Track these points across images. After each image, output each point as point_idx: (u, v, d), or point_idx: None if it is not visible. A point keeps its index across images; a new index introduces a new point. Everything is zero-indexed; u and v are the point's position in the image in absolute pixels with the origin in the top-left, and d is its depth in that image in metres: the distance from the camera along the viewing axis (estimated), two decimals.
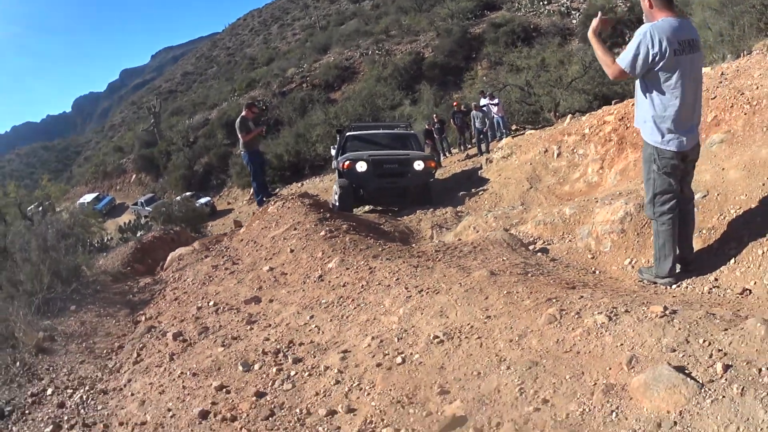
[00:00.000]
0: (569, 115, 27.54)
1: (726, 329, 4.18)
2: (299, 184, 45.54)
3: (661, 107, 6.12)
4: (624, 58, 6.10)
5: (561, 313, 4.91)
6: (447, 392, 4.27)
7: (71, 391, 6.90)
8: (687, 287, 6.40)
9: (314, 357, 5.70)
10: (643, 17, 6.37)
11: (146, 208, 53.20)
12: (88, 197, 74.00)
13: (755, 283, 6.12)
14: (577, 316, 4.86)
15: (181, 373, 6.23)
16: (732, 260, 6.58)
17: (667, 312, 4.56)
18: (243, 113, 17.11)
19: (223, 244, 12.85)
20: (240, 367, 5.87)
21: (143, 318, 9.12)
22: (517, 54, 46.38)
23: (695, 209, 7.30)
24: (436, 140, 33.27)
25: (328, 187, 27.78)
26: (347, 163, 20.07)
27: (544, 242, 9.19)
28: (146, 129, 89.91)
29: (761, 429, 3.24)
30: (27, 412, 6.82)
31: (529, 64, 40.77)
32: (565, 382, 3.98)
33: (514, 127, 33.89)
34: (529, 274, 6.88)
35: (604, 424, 3.51)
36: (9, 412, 6.93)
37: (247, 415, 4.97)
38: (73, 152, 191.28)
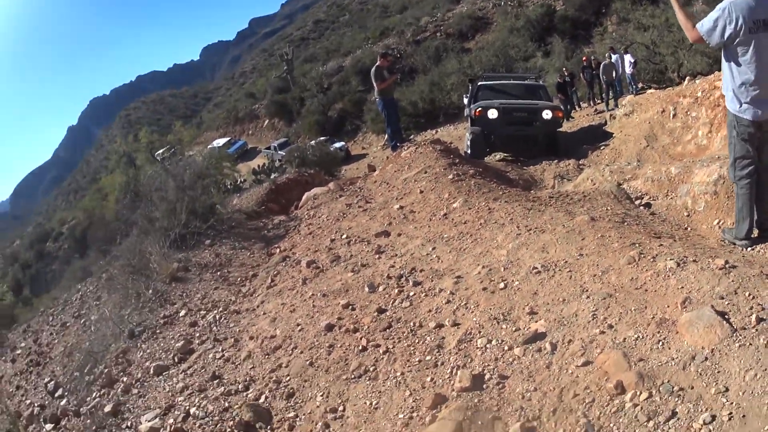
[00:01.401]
0: (687, 77, 27.41)
1: None
2: (433, 132, 45.62)
3: (739, 78, 6.46)
4: (703, 26, 6.49)
5: (640, 256, 5.54)
6: (535, 313, 5.09)
7: (204, 312, 7.78)
8: (760, 251, 6.66)
9: (431, 281, 6.52)
10: None
11: (279, 152, 53.06)
12: (219, 141, 74.34)
13: None
14: (652, 260, 5.43)
15: (312, 294, 7.08)
16: None
17: (726, 266, 5.06)
18: (378, 62, 17.62)
19: (357, 185, 13.52)
20: (366, 289, 6.73)
21: (278, 250, 9.91)
22: (642, 12, 45.31)
23: None
24: (568, 93, 33.32)
25: (461, 134, 28.16)
26: (479, 110, 20.76)
27: (650, 197, 9.53)
28: (279, 76, 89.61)
29: None
30: (158, 331, 7.76)
31: (653, 23, 39.79)
32: (630, 312, 4.67)
33: (640, 85, 33.26)
34: (625, 223, 7.44)
35: (651, 350, 4.17)
36: (139, 332, 7.85)
37: (368, 327, 5.83)
38: (203, 99, 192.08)
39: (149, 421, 5.63)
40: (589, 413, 3.80)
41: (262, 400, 5.38)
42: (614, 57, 32.48)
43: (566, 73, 33.93)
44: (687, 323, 4.29)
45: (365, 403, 4.78)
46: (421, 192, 10.63)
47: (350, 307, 6.54)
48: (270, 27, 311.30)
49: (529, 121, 20.84)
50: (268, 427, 5.00)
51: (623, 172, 11.99)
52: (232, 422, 5.08)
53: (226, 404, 5.38)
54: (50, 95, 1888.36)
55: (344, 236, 9.56)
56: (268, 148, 63.79)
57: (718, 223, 7.84)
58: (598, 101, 35.03)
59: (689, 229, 8.02)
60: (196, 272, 9.46)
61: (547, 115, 20.74)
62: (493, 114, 20.51)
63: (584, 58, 37.32)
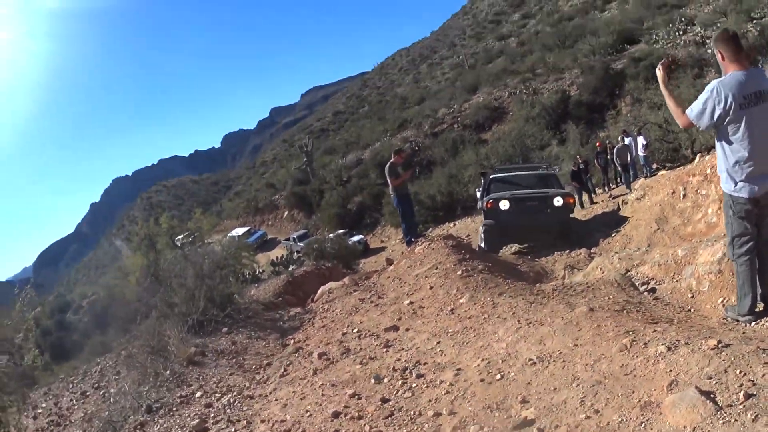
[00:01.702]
0: (699, 154, 27.67)
1: (767, 363, 4.72)
2: (452, 224, 46.01)
3: (732, 157, 6.51)
4: (693, 111, 6.61)
5: (632, 343, 5.71)
6: (527, 401, 5.30)
7: (219, 395, 8.04)
8: (765, 324, 6.66)
9: (434, 373, 6.78)
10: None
11: (298, 243, 53.77)
12: (239, 230, 75.46)
13: None
14: (644, 346, 5.59)
15: (322, 384, 7.34)
16: None
17: (719, 345, 5.15)
18: (392, 159, 18.00)
19: (371, 280, 13.79)
20: (372, 380, 7.00)
21: (292, 341, 10.21)
22: (654, 91, 45.44)
23: None
24: (584, 180, 33.31)
25: (478, 227, 28.70)
26: (490, 202, 21.00)
27: (657, 282, 9.55)
28: (299, 167, 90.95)
29: None
30: (175, 409, 8.11)
31: (664, 102, 39.96)
32: (617, 397, 4.86)
33: (655, 166, 33.61)
34: (624, 311, 7.61)
35: (633, 431, 4.37)
36: (156, 408, 8.17)
37: (372, 415, 6.07)
38: (223, 186, 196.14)
39: None
40: None
41: None
42: (627, 140, 32.88)
43: (580, 161, 34.02)
44: (670, 405, 4.41)
45: None
46: (431, 288, 10.92)
47: (356, 396, 6.78)
48: (290, 117, 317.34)
49: (541, 209, 21.05)
50: None
51: (632, 258, 12.07)
52: None
53: None
54: (76, 171, 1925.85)
55: (355, 330, 9.85)
56: (288, 239, 64.57)
57: (722, 301, 7.79)
58: (613, 186, 35.31)
59: (692, 310, 8.04)
60: (212, 357, 9.72)
61: (558, 202, 20.98)
62: (504, 205, 20.80)
63: (598, 144, 37.59)
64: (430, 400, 6.16)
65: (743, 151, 6.39)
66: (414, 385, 6.73)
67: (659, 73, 7.39)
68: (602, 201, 30.97)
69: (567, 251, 18.22)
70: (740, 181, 6.54)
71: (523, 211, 20.84)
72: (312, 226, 71.55)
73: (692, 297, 8.43)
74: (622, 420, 4.52)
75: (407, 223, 18.88)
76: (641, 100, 51.47)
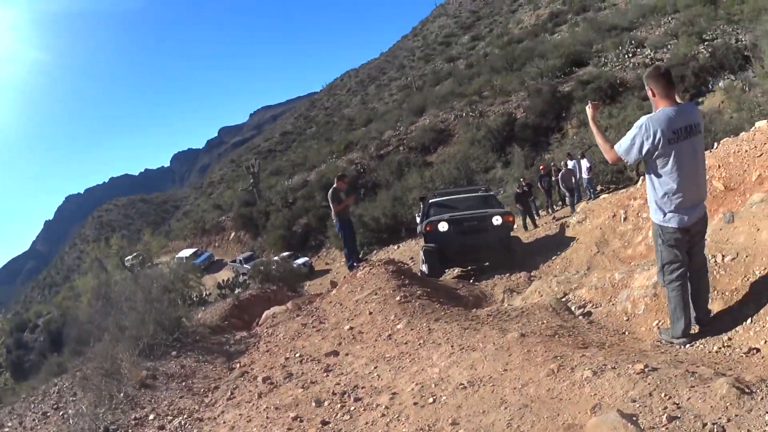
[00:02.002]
0: (642, 177, 28.05)
1: (693, 387, 4.87)
2: (396, 246, 46.10)
3: (660, 190, 6.69)
4: (620, 146, 6.77)
5: (559, 368, 5.86)
6: (457, 423, 5.43)
7: (171, 417, 8.17)
8: (699, 346, 6.90)
9: (371, 397, 6.93)
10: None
11: (245, 265, 54.03)
12: (186, 252, 75.89)
13: (765, 342, 6.53)
14: (571, 371, 5.74)
15: (267, 407, 7.49)
16: (749, 320, 6.98)
17: (646, 369, 5.31)
18: (335, 184, 18.24)
19: (314, 304, 13.90)
20: (313, 404, 7.16)
21: (238, 365, 10.30)
22: (600, 114, 46.20)
23: (723, 271, 7.82)
24: (527, 203, 33.34)
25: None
26: (429, 225, 21.07)
27: (594, 305, 9.66)
28: (246, 188, 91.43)
29: None
30: (130, 431, 8.20)
31: (611, 124, 40.72)
32: (542, 420, 4.99)
33: (599, 188, 34.21)
34: (556, 336, 7.74)
35: None
36: (113, 430, 8.30)
37: None
38: (172, 206, 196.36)
39: None
40: None
41: None
42: (571, 163, 33.11)
43: (524, 183, 34.11)
44: (592, 427, 4.49)
45: None
46: (371, 313, 11.13)
47: (299, 419, 6.93)
48: (239, 136, 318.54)
49: (480, 228, 21.18)
50: None
51: (570, 282, 12.19)
52: None
53: None
54: (30, 189, 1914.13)
55: (298, 355, 9.98)
56: (234, 261, 64.93)
57: (657, 324, 7.99)
58: (557, 208, 35.65)
59: (627, 333, 8.19)
60: (163, 381, 9.82)
61: (497, 221, 21.11)
62: (443, 227, 20.88)
63: (542, 167, 37.66)
64: (367, 423, 6.30)
65: (672, 183, 6.58)
66: (352, 408, 6.88)
67: (589, 111, 7.54)
68: (545, 223, 31.10)
69: (507, 274, 18.34)
70: (669, 211, 6.73)
71: (463, 232, 20.95)
72: (258, 248, 71.72)
73: (627, 320, 8.58)
74: None
75: (349, 248, 19.12)
76: (587, 124, 51.99)
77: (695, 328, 7.29)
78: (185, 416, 8.35)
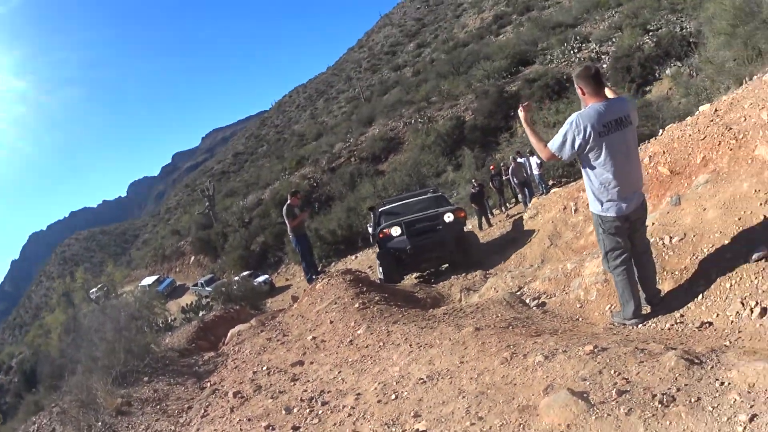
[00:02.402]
0: None
1: (642, 362, 5.07)
2: (353, 257, 46.10)
3: (596, 181, 6.87)
4: (553, 144, 6.91)
5: (512, 356, 6.08)
6: (419, 415, 5.64)
7: None
8: (651, 325, 7.13)
9: (337, 400, 7.14)
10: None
11: (206, 288, 54.00)
12: (148, 280, 75.96)
13: (717, 316, 6.75)
14: (523, 357, 5.96)
15: (239, 420, 7.66)
16: (699, 296, 7.20)
17: (596, 350, 5.51)
18: (289, 201, 18.38)
19: (276, 319, 14.01)
20: (283, 412, 7.34)
21: (208, 384, 10.41)
22: (547, 111, 46.80)
23: (671, 252, 8.06)
24: (482, 202, 33.50)
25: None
26: (383, 232, 21.13)
27: (548, 296, 9.81)
28: (202, 212, 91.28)
29: None
30: None
31: (559, 120, 40.68)
32: (498, 405, 5.18)
33: (551, 182, 34.52)
34: (510, 327, 7.92)
35: None
36: None
37: None
38: (131, 236, 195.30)
39: None
40: None
41: None
42: (521, 159, 33.36)
43: (476, 183, 34.11)
44: (545, 406, 4.71)
45: None
46: (331, 322, 11.34)
47: (271, 427, 7.11)
48: (192, 161, 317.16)
49: (433, 227, 21.15)
50: None
51: (524, 276, 12.48)
52: None
53: None
54: None
55: (265, 368, 10.14)
56: (196, 284, 65.23)
57: (609, 308, 8.17)
58: (510, 206, 36.01)
59: (580, 319, 8.37)
60: (138, 406, 9.88)
61: (449, 218, 21.16)
62: (396, 231, 20.95)
63: (492, 167, 37.96)
64: (335, 424, 6.49)
65: (606, 174, 6.77)
66: (320, 411, 7.06)
67: (521, 113, 7.69)
68: (499, 222, 31.41)
69: (463, 274, 18.45)
70: (607, 201, 6.91)
71: (416, 234, 20.93)
72: (218, 270, 71.66)
73: (581, 307, 8.77)
74: (503, 423, 4.83)
75: (306, 262, 19.28)
76: (535, 121, 52.26)
77: (646, 309, 7.52)
78: None
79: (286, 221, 18.54)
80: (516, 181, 33.09)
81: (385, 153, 70.99)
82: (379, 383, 7.06)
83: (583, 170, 7.10)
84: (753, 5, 20.46)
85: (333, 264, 45.42)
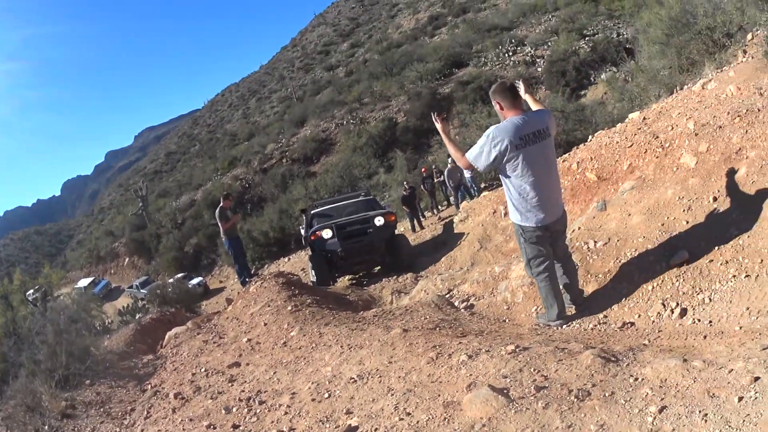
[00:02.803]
0: None
1: (561, 360, 5.42)
2: (286, 259, 46.12)
3: (515, 191, 7.10)
4: (470, 154, 7.16)
5: (438, 356, 6.39)
6: (351, 412, 5.91)
7: None
8: (575, 326, 7.52)
9: (273, 399, 7.38)
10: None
11: (141, 290, 53.17)
12: (84, 281, 74.77)
13: (639, 316, 7.20)
14: (448, 356, 6.28)
15: (182, 420, 7.84)
16: (623, 298, 7.62)
17: (517, 349, 5.83)
18: (221, 204, 18.60)
19: (212, 322, 14.09)
20: (223, 411, 7.55)
21: (149, 386, 10.48)
22: (479, 114, 46.90)
23: (596, 256, 8.42)
24: (414, 205, 33.73)
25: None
26: (314, 234, 21.36)
27: (476, 298, 10.10)
28: (135, 213, 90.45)
29: None
30: None
31: (490, 122, 40.73)
32: (425, 401, 5.48)
33: (483, 185, 34.70)
34: (437, 329, 8.24)
35: (438, 426, 4.96)
36: None
37: None
38: (66, 236, 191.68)
39: None
40: None
41: None
42: (450, 163, 33.59)
43: (407, 186, 34.49)
44: (468, 402, 5.02)
45: None
46: (265, 324, 11.54)
47: (212, 426, 7.31)
48: (125, 160, 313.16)
49: (364, 230, 21.49)
50: None
51: (454, 278, 12.70)
52: None
53: None
54: None
55: (203, 369, 10.31)
56: (131, 286, 64.23)
57: (535, 310, 8.51)
58: (442, 209, 36.27)
59: (507, 321, 8.67)
60: (82, 409, 9.83)
61: (379, 221, 21.54)
62: (327, 234, 21.18)
63: (423, 169, 38.29)
64: (272, 421, 6.74)
65: (524, 185, 7.02)
66: (258, 410, 7.30)
67: (438, 125, 7.98)
68: (431, 224, 31.73)
69: (395, 277, 18.73)
70: (526, 211, 7.18)
71: (347, 236, 21.22)
72: (153, 272, 71.15)
73: (507, 308, 9.08)
74: (430, 418, 5.13)
75: (240, 264, 19.66)
76: (468, 124, 52.49)
77: (571, 310, 7.87)
78: None
79: (219, 224, 18.82)
80: (452, 184, 33.25)
81: (317, 154, 71.18)
82: (312, 383, 7.32)
83: (502, 180, 7.35)
84: (689, 16, 20.89)
85: (266, 266, 45.32)
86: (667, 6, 22.50)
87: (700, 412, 4.13)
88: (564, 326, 7.63)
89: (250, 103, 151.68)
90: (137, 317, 20.58)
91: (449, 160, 34.52)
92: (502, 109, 7.16)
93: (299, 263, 37.17)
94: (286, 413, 6.81)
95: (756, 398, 4.06)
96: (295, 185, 61.16)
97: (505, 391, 5.04)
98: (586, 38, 56.35)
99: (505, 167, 7.03)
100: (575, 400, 4.69)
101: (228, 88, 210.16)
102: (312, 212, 24.77)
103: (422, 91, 65.75)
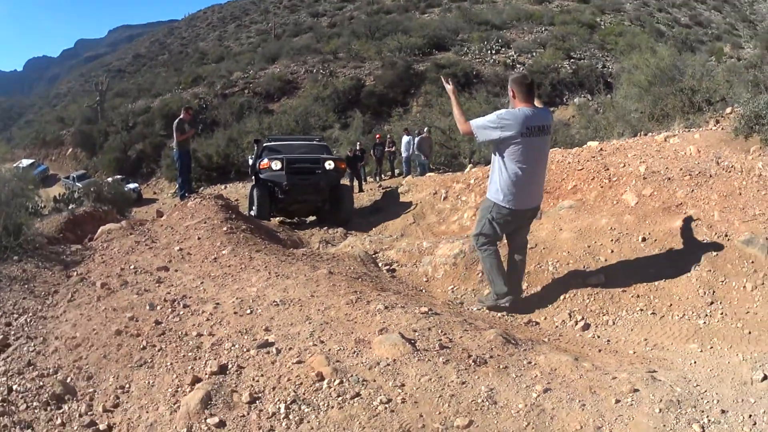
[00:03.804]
0: (470, 165, 29.07)
1: (467, 330, 6.05)
2: (224, 187, 46.78)
3: (507, 174, 7.31)
4: (476, 123, 7.37)
5: (357, 300, 6.94)
6: (269, 330, 6.43)
7: (17, 315, 8.58)
8: (485, 311, 7.91)
9: (197, 305, 7.82)
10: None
11: (77, 183, 52.16)
12: (25, 162, 73.59)
13: (545, 319, 7.73)
14: (367, 303, 6.81)
15: (105, 308, 8.19)
16: (535, 300, 8.15)
17: (429, 312, 6.47)
18: (181, 115, 18.90)
19: (146, 226, 14.40)
20: (147, 307, 7.94)
21: (75, 273, 10.76)
22: (447, 99, 47.00)
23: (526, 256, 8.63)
24: (357, 167, 34.30)
25: (248, 192, 29.41)
26: (264, 163, 21.64)
27: (400, 265, 10.50)
28: (90, 105, 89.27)
29: (449, 385, 4.91)
30: None
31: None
32: (338, 334, 6.00)
33: (432, 167, 34.86)
34: (360, 279, 8.72)
35: (347, 357, 5.48)
36: None
37: (147, 333, 7.01)
38: (16, 113, 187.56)
39: None
40: (298, 390, 5.04)
41: (68, 380, 6.34)
42: (406, 138, 34.01)
43: (357, 148, 35.21)
44: (378, 342, 5.59)
45: (145, 382, 5.94)
46: (199, 239, 11.95)
47: (134, 319, 7.67)
48: (94, 51, 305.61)
49: (312, 170, 21.81)
50: (74, 398, 6.00)
51: (382, 243, 13.19)
52: (46, 395, 5.92)
53: (41, 383, 6.17)
54: None
55: (132, 267, 10.62)
56: (67, 177, 63.47)
57: (452, 288, 9.01)
58: (385, 177, 36.98)
59: (423, 291, 9.04)
60: (6, 283, 9.87)
61: (329, 165, 21.93)
62: (277, 165, 21.39)
63: (378, 136, 39.00)
64: (194, 324, 7.17)
65: (518, 170, 7.30)
66: (181, 312, 7.70)
67: (449, 86, 8.12)
68: (371, 189, 32.22)
69: (325, 228, 19.22)
70: (510, 194, 7.42)
71: (295, 172, 21.48)
72: (92, 168, 70.38)
73: (426, 281, 9.53)
74: (341, 349, 5.66)
75: (183, 178, 19.97)
76: (432, 105, 53.13)
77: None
78: (30, 315, 8.73)
79: (174, 134, 18.99)
80: (413, 153, 33.76)
81: (279, 93, 71.02)
82: (237, 298, 7.77)
83: (497, 159, 7.54)
84: (676, 72, 21.43)
85: (202, 188, 45.16)
86: (659, 57, 23.07)
87: (579, 401, 4.76)
88: (508, 304, 7.94)
89: (228, 28, 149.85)
90: (70, 207, 20.61)
91: (425, 130, 34.74)
92: (514, 97, 7.43)
93: (235, 194, 37.45)
94: (208, 320, 7.25)
95: (632, 404, 4.69)
96: (251, 118, 61.04)
97: (412, 342, 5.65)
98: (572, 60, 56.88)
99: (505, 150, 7.32)
100: (473, 363, 5.32)
101: (211, 7, 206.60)
102: (264, 144, 24.95)
103: (398, 62, 65.96)
